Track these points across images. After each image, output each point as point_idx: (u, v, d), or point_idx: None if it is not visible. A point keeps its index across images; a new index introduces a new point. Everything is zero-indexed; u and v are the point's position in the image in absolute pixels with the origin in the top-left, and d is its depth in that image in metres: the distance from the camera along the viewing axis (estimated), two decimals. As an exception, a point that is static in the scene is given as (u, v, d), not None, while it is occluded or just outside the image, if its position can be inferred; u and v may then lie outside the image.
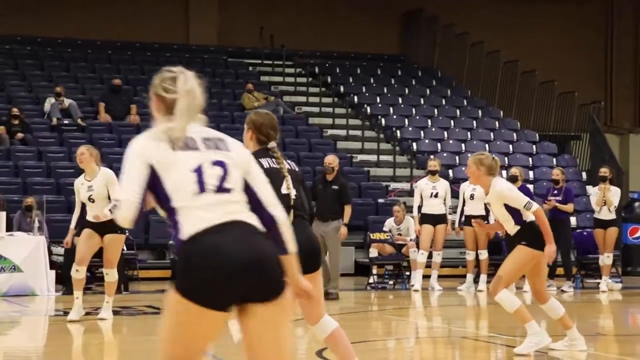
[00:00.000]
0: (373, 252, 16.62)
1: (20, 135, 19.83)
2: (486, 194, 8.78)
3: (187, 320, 3.83)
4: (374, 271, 16.63)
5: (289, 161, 6.25)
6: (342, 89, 25.23)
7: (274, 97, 23.69)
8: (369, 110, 24.21)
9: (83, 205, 11.42)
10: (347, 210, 14.44)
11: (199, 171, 3.99)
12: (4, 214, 14.63)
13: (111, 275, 11.36)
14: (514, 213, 8.59)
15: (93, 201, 11.16)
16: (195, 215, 3.90)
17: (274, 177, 5.91)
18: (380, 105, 24.66)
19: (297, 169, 6.30)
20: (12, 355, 9.40)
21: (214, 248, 3.83)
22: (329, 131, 23.27)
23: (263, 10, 26.66)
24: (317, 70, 25.99)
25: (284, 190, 5.99)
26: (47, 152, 19.68)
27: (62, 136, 20.34)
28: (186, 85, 4.21)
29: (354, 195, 20.22)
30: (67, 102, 20.95)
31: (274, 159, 6.09)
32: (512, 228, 8.66)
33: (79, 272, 11.20)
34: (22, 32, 24.49)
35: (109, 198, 11.01)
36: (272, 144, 6.14)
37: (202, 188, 3.96)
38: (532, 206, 8.47)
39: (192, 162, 4.00)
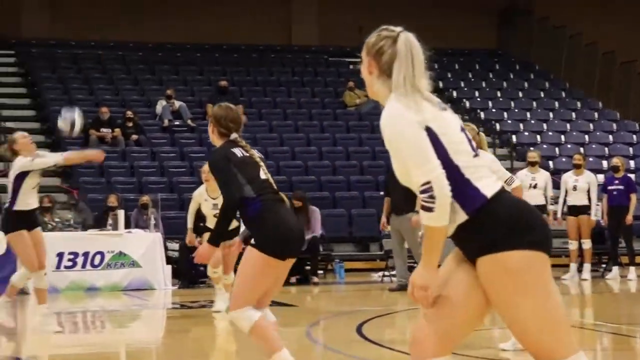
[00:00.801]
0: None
1: (134, 136, 20.22)
2: None
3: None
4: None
5: (254, 149, 6.16)
6: (440, 84, 25.06)
7: (374, 94, 23.63)
8: (467, 104, 24.04)
9: (198, 211, 11.62)
10: None
11: (464, 132, 3.71)
12: (122, 212, 14.96)
13: (230, 278, 11.10)
14: None
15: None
16: (486, 174, 3.63)
17: (252, 165, 5.95)
18: (479, 99, 24.47)
19: (262, 156, 6.22)
20: (133, 346, 9.61)
21: (524, 204, 3.70)
22: (429, 126, 23.13)
23: (362, 10, 26.63)
24: (416, 66, 25.83)
25: (262, 176, 5.94)
26: (160, 152, 20.03)
27: (174, 137, 20.68)
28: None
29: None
30: (177, 104, 21.29)
31: (243, 148, 6.03)
32: None
33: (216, 273, 11.26)
34: (134, 39, 24.96)
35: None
36: (234, 135, 6.09)
37: (473, 149, 3.69)
38: (514, 181, 7.79)
39: (456, 122, 3.72)
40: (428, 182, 3.50)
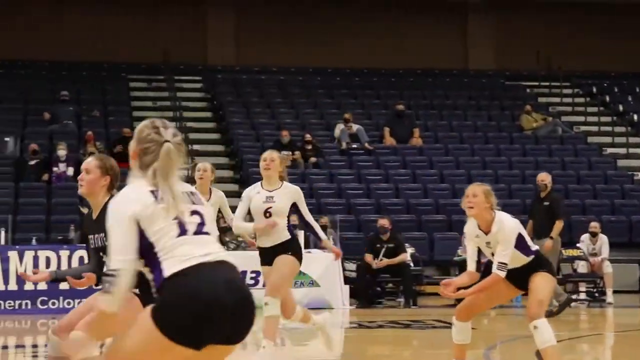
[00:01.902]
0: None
1: (313, 159, 20.47)
2: (485, 232, 7.09)
3: (154, 351, 3.71)
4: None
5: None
6: (620, 107, 24.37)
7: (551, 117, 23.19)
8: (649, 128, 23.26)
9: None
10: (558, 224, 14.17)
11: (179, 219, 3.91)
12: (302, 232, 15.07)
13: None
14: (522, 247, 7.15)
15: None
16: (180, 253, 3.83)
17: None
18: (661, 122, 23.63)
19: None
20: (313, 363, 9.67)
21: (193, 291, 3.71)
22: (608, 150, 22.50)
23: (539, 34, 26.23)
24: (595, 90, 25.24)
25: None
26: (338, 174, 20.19)
27: (351, 159, 20.81)
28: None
29: (638, 212, 19.46)
30: (354, 127, 21.42)
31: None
32: (521, 261, 7.19)
33: None
34: (314, 64, 25.34)
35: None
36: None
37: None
38: (501, 271, 6.97)
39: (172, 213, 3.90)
40: (115, 269, 3.75)
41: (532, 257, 7.21)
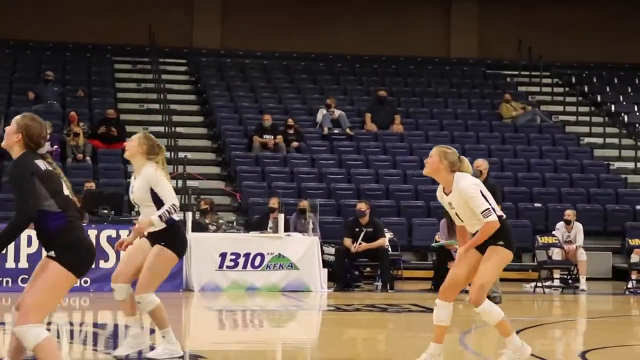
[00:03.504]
0: (634, 258, 16.07)
1: (295, 143, 20.49)
2: (447, 193, 7.36)
3: None
4: (633, 276, 16.05)
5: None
6: (599, 98, 24.50)
7: (531, 106, 23.29)
8: (626, 118, 23.37)
9: None
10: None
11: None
12: (282, 216, 15.17)
13: None
14: None
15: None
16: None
17: (55, 179, 5.59)
18: (638, 113, 23.76)
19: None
20: (289, 344, 9.74)
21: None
22: (586, 139, 22.62)
23: (521, 24, 26.30)
24: (574, 80, 25.36)
25: (66, 192, 5.63)
26: (319, 159, 20.22)
27: (333, 144, 20.85)
28: None
29: (612, 202, 19.61)
30: (337, 112, 21.45)
31: (46, 161, 5.64)
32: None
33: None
34: (297, 50, 25.34)
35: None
36: (42, 150, 5.70)
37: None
38: (490, 216, 7.18)
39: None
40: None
41: None
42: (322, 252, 15.57)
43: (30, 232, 5.64)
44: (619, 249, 18.29)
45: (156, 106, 22.35)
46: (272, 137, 20.27)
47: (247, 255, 14.65)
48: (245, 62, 25.07)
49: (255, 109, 22.28)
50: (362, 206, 15.64)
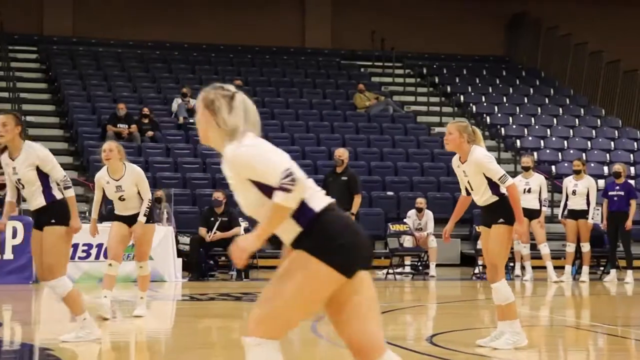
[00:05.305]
0: (481, 244, 16.52)
1: (150, 133, 20.27)
2: (463, 162, 7.93)
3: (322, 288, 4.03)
4: (480, 262, 16.52)
5: None
6: (449, 89, 25.11)
7: (384, 97, 23.69)
8: (474, 109, 24.04)
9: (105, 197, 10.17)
10: (357, 200, 14.80)
11: None
12: (135, 205, 14.95)
13: (145, 268, 10.23)
14: (492, 183, 7.79)
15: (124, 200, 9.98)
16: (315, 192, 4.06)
17: None
18: (485, 104, 24.46)
19: None
20: (143, 334, 9.65)
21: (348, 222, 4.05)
22: (436, 129, 23.16)
23: (374, 15, 26.70)
24: (425, 71, 25.92)
25: None
26: (175, 148, 20.07)
27: (188, 134, 20.71)
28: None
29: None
30: (192, 102, 21.30)
31: None
32: (488, 199, 7.85)
33: (112, 267, 9.93)
34: (152, 38, 25.05)
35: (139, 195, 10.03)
36: None
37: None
38: (507, 180, 7.71)
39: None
40: (288, 169, 3.91)
41: (496, 198, 7.83)
42: (177, 242, 15.47)
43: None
44: (467, 236, 18.81)
45: (5, 94, 21.70)
46: (127, 126, 19.99)
47: (99, 246, 14.41)
48: (98, 50, 24.61)
49: (109, 97, 21.92)
50: (219, 195, 15.60)
